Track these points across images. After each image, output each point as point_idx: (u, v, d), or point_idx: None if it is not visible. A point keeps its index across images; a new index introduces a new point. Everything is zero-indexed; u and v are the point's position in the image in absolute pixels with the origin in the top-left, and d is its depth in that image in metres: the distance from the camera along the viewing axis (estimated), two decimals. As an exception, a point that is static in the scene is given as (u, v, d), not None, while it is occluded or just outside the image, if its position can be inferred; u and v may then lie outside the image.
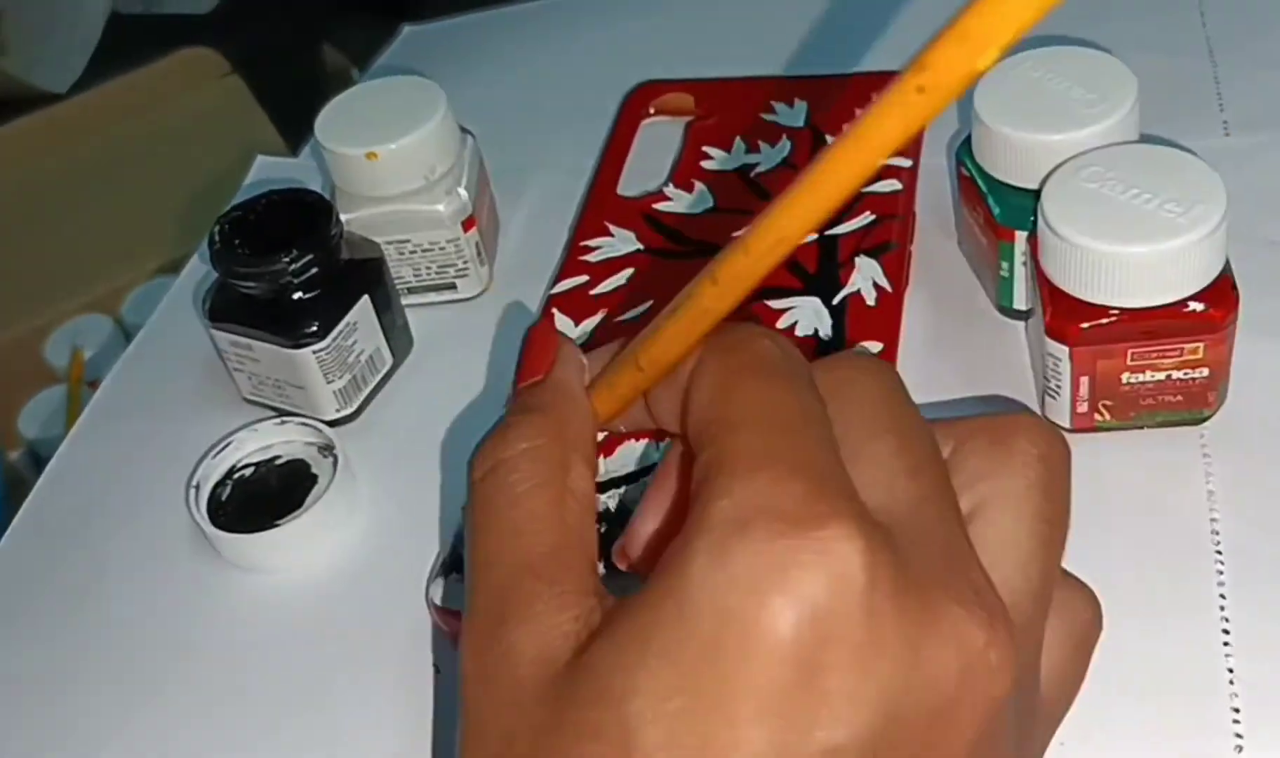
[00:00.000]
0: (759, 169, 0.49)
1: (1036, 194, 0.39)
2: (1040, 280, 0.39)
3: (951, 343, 0.44)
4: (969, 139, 0.43)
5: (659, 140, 0.53)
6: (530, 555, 0.25)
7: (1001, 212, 0.42)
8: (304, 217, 0.44)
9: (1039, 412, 0.41)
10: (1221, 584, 0.36)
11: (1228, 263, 0.37)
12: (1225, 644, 0.34)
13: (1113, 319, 0.37)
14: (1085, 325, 0.37)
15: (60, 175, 0.92)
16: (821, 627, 0.21)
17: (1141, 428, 0.39)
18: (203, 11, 1.18)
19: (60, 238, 0.88)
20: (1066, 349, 0.38)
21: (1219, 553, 0.36)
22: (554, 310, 0.46)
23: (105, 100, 0.94)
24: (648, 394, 0.28)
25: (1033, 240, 0.39)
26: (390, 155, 0.46)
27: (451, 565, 0.38)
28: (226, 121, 0.94)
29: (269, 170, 0.58)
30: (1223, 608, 0.35)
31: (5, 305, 0.83)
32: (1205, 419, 0.39)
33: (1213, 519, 0.37)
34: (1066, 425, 0.40)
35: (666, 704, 0.21)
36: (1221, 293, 0.37)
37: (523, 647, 0.23)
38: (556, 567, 0.25)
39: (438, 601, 0.38)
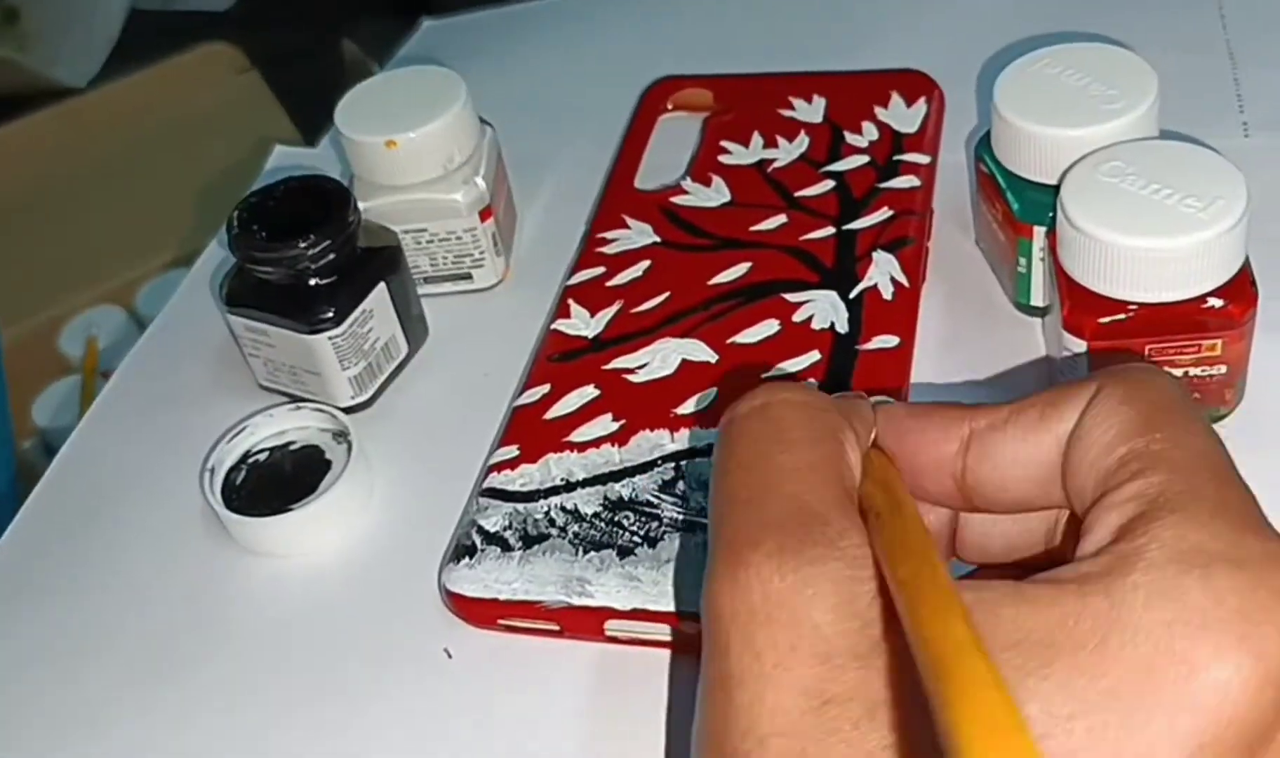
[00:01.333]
0: (776, 164, 0.49)
1: (1056, 190, 0.39)
2: (1059, 275, 0.38)
3: (968, 339, 0.44)
4: (988, 135, 0.43)
5: (677, 135, 0.53)
6: (811, 500, 0.24)
7: (1020, 207, 0.42)
8: (322, 203, 0.44)
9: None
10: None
11: (1247, 260, 0.37)
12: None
13: (1131, 314, 0.37)
14: (1104, 320, 0.37)
15: (78, 168, 0.92)
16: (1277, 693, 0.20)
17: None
18: (222, 8, 1.19)
19: (77, 230, 0.88)
20: (1084, 344, 0.38)
21: (1235, 550, 0.36)
22: (570, 300, 0.46)
23: (123, 95, 0.95)
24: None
25: (1051, 236, 0.39)
26: (409, 144, 0.46)
27: (464, 551, 0.38)
28: (244, 117, 0.95)
29: (287, 159, 0.59)
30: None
31: (22, 296, 0.83)
32: (1223, 417, 0.39)
33: (1229, 516, 0.37)
34: (1083, 421, 0.40)
35: (1070, 721, 0.20)
36: (1240, 289, 0.37)
37: (821, 590, 0.22)
38: (843, 519, 0.24)
39: (450, 586, 0.38)
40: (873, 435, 0.28)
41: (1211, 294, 0.36)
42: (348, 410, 0.45)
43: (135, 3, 1.18)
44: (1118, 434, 0.24)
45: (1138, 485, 0.23)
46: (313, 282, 0.43)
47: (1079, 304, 0.38)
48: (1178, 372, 0.38)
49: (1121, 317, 0.37)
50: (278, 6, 1.13)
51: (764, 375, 0.41)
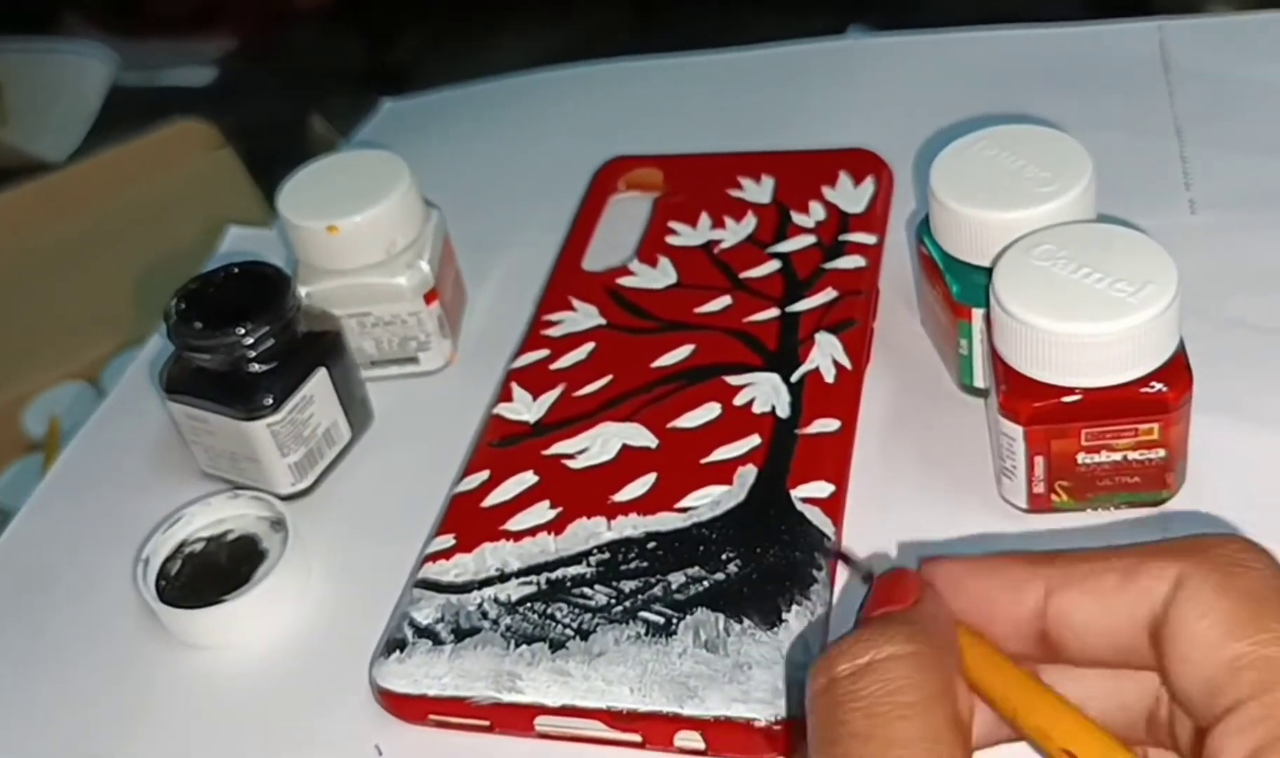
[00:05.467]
0: (723, 245, 0.49)
1: (991, 272, 0.39)
2: (994, 359, 0.38)
3: (912, 421, 0.44)
4: (928, 217, 0.43)
5: (628, 215, 0.53)
6: None
7: (959, 289, 0.41)
8: (262, 290, 0.44)
9: (997, 491, 0.40)
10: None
11: (1181, 343, 0.37)
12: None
13: (1065, 399, 0.36)
14: (1038, 404, 0.37)
15: (49, 244, 0.92)
16: None
17: (1101, 509, 0.39)
18: (201, 84, 1.20)
19: (46, 306, 0.88)
20: (1020, 429, 0.37)
21: (1175, 639, 0.35)
22: (513, 384, 0.45)
23: (96, 170, 0.95)
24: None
25: (988, 318, 0.39)
26: (351, 229, 0.46)
27: (395, 645, 0.38)
28: (218, 193, 0.95)
29: (242, 241, 0.59)
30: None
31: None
32: (1165, 500, 0.39)
33: (1170, 604, 0.36)
34: (1023, 505, 0.39)
35: None
36: (1175, 373, 0.36)
37: None
38: None
39: (380, 681, 0.37)
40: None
41: (1145, 378, 0.36)
42: (288, 498, 0.44)
43: (116, 78, 1.19)
44: (1223, 632, 0.23)
45: (1262, 706, 0.22)
46: (251, 368, 0.43)
47: (1014, 389, 0.37)
48: (1116, 456, 0.37)
49: (1056, 401, 0.37)
50: (255, 82, 1.14)
51: (703, 461, 0.41)
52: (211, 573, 0.42)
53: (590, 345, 0.46)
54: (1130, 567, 0.25)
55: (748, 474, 0.40)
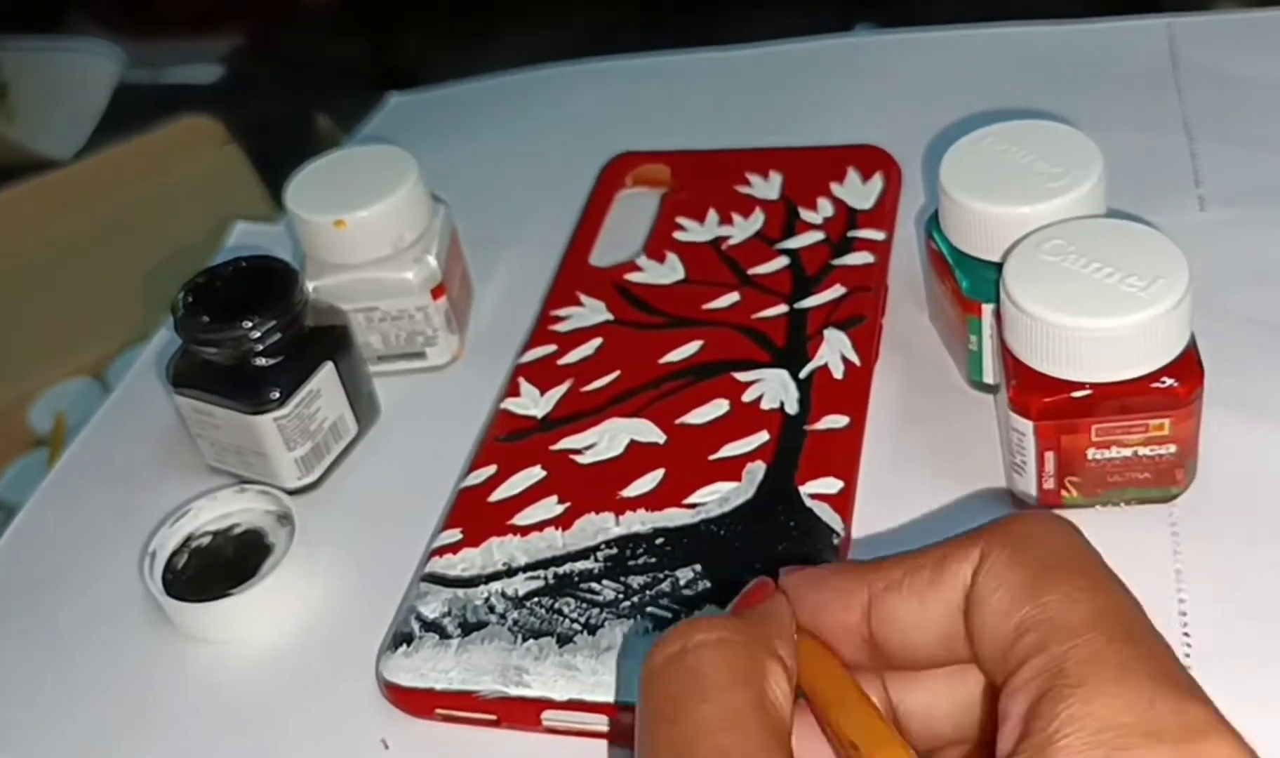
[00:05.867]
0: (731, 241, 0.49)
1: (1001, 267, 0.38)
2: (1004, 354, 0.38)
3: (922, 417, 0.43)
4: (937, 212, 0.43)
5: (636, 211, 0.53)
6: (738, 751, 0.23)
7: (969, 285, 0.41)
8: (269, 284, 0.44)
9: (1006, 485, 0.40)
10: (1188, 663, 0.34)
11: (1193, 338, 0.37)
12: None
13: (1075, 394, 0.36)
14: (1048, 400, 0.37)
15: (55, 241, 0.92)
16: None
17: (1111, 505, 0.39)
18: (207, 81, 1.20)
19: (52, 303, 0.88)
20: (1030, 424, 0.37)
21: (1186, 634, 0.35)
22: (520, 379, 0.45)
23: (102, 167, 0.95)
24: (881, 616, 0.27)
25: (998, 313, 0.39)
26: (358, 223, 0.46)
27: (401, 639, 0.38)
28: (223, 189, 0.95)
29: (248, 236, 0.59)
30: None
31: (-6, 369, 0.83)
32: (1175, 496, 0.39)
33: (1180, 599, 0.36)
34: (1033, 501, 0.39)
35: None
36: (1186, 368, 0.36)
37: None
38: None
39: (387, 675, 0.37)
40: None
41: (1156, 374, 0.36)
42: (294, 492, 0.44)
43: (123, 76, 1.19)
44: (1011, 600, 0.24)
45: (1038, 663, 0.23)
46: (258, 362, 0.43)
47: (1024, 384, 0.37)
48: (1127, 451, 0.37)
49: (1066, 396, 0.36)
50: (261, 79, 1.14)
51: (711, 457, 0.41)
52: (218, 567, 0.42)
53: (598, 341, 0.46)
54: (939, 558, 0.26)
55: (756, 470, 0.40)
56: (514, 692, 0.36)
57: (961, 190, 0.40)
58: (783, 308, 0.45)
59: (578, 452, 0.42)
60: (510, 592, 0.38)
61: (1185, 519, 0.38)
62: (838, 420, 0.41)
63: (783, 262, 0.47)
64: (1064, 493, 0.38)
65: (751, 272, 0.47)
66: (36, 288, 0.89)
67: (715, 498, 0.39)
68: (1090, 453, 0.37)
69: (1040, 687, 0.22)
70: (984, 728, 0.27)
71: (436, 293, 0.47)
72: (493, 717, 0.36)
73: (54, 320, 0.86)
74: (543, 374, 0.45)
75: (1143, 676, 0.22)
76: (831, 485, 0.39)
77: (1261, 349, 0.42)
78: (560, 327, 0.47)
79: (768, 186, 0.51)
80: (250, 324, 0.42)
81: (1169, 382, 0.36)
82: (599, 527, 0.39)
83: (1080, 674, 0.22)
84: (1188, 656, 0.35)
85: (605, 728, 0.35)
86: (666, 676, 0.25)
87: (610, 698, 0.35)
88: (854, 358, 0.43)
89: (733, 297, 0.46)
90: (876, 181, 0.50)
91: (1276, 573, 0.36)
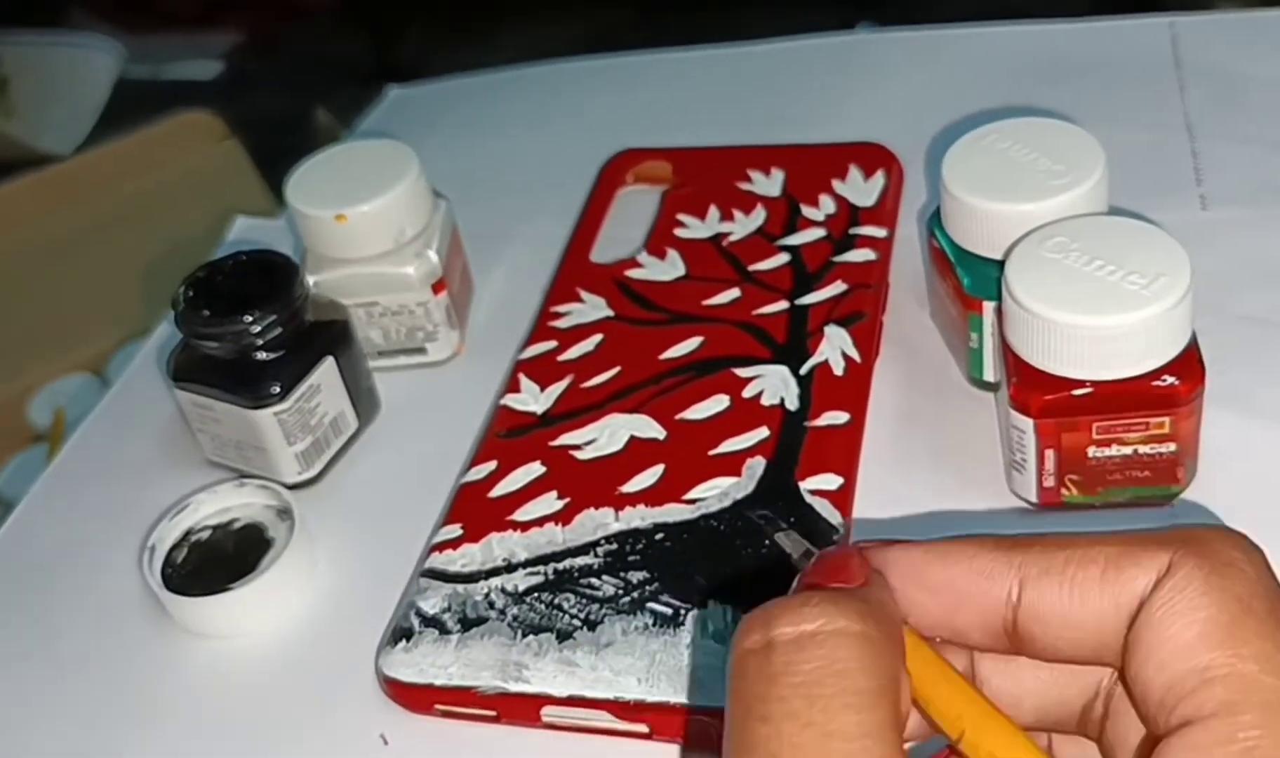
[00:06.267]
0: (732, 238, 0.49)
1: (1003, 264, 0.38)
2: (1005, 351, 0.38)
3: (922, 414, 0.43)
4: (939, 209, 0.43)
5: (637, 208, 0.53)
6: None
7: (970, 282, 0.41)
8: (270, 278, 0.44)
9: (1006, 485, 0.40)
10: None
11: (1194, 336, 0.37)
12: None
13: (1076, 392, 0.36)
14: (1049, 397, 0.37)
15: (55, 235, 0.92)
16: None
17: (1111, 504, 0.39)
18: (208, 77, 1.20)
19: (52, 297, 0.88)
20: (1030, 422, 0.37)
21: (1186, 634, 0.35)
22: (520, 375, 0.45)
23: (102, 161, 0.95)
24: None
25: (999, 311, 0.39)
26: (359, 218, 0.46)
27: (401, 635, 0.37)
28: (223, 184, 0.95)
29: (248, 231, 0.59)
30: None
31: (-8, 364, 0.83)
32: (1175, 495, 0.39)
33: (1180, 599, 0.36)
34: (1033, 499, 0.39)
35: None
36: (1187, 366, 0.36)
37: None
38: None
39: (386, 671, 0.37)
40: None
41: (1157, 372, 0.36)
42: (294, 487, 0.44)
43: (123, 72, 1.19)
44: (1200, 636, 0.21)
45: (1226, 727, 0.20)
46: (258, 356, 0.43)
47: (1025, 381, 0.37)
48: (1127, 449, 0.37)
49: (1066, 394, 0.36)
50: (261, 76, 1.14)
51: (711, 453, 0.41)
52: (217, 561, 0.42)
53: (598, 337, 0.46)
54: (1115, 555, 0.23)
55: (756, 466, 0.40)
56: (513, 688, 0.36)
57: (963, 188, 0.40)
58: (783, 304, 0.45)
59: (578, 447, 0.42)
60: (510, 587, 0.38)
61: (1185, 518, 0.38)
62: (838, 417, 0.41)
63: (784, 258, 0.47)
64: (1064, 491, 0.38)
65: (752, 268, 0.47)
66: (36, 283, 0.88)
67: (715, 493, 0.39)
68: (1090, 451, 0.37)
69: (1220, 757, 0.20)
70: (1078, 725, 0.26)
71: (437, 288, 0.47)
72: (492, 713, 0.36)
73: (53, 315, 0.86)
74: (543, 370, 0.45)
75: None
76: (831, 482, 0.39)
77: (1263, 349, 0.42)
78: (561, 323, 0.47)
79: (769, 183, 0.51)
80: (251, 318, 0.42)
81: (1170, 380, 0.36)
82: (599, 522, 0.39)
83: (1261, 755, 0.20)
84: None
85: (605, 725, 0.35)
86: (795, 659, 0.21)
87: (610, 694, 0.35)
88: (854, 354, 0.43)
89: (733, 293, 0.46)
90: (878, 179, 0.50)
91: (1277, 570, 0.36)
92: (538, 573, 0.38)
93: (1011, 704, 0.25)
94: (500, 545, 0.39)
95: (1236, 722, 0.20)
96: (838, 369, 0.43)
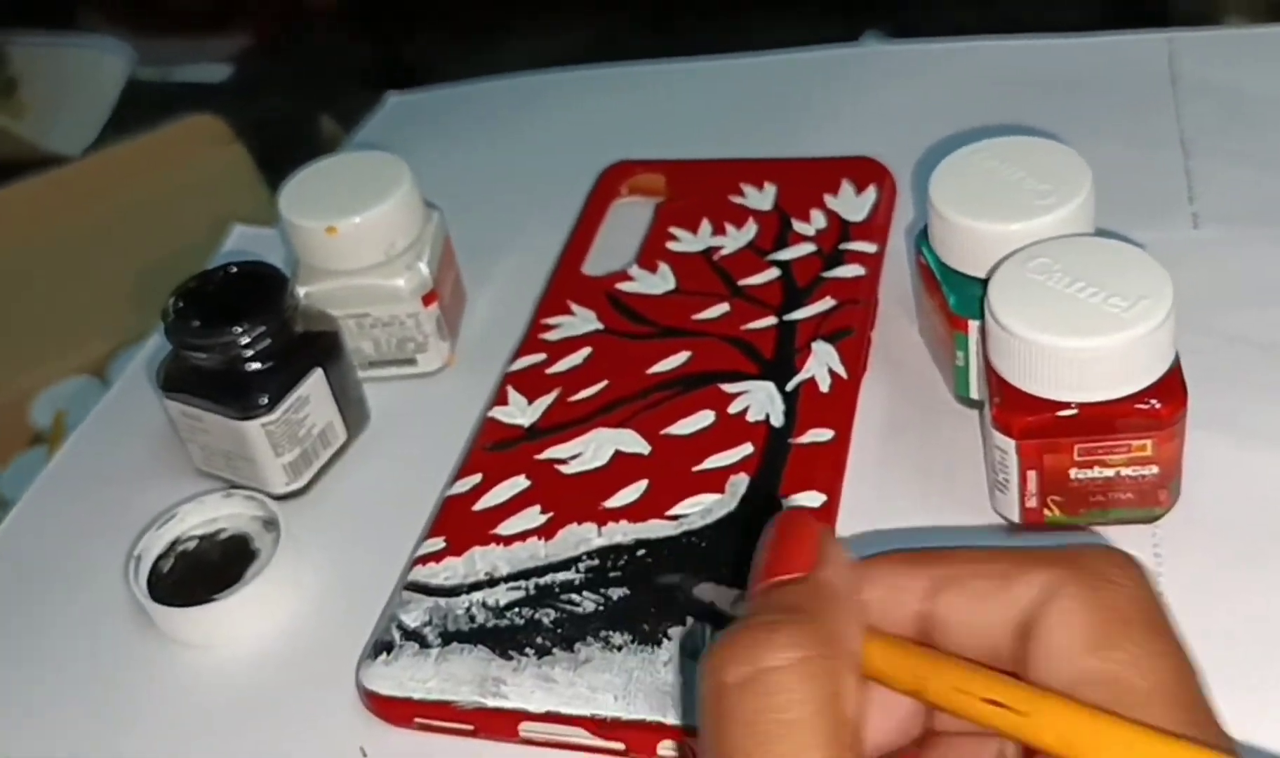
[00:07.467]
0: (723, 252, 0.49)
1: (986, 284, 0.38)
2: (988, 371, 0.38)
3: (908, 431, 0.43)
4: (927, 227, 0.43)
5: (630, 220, 0.53)
6: None
7: (955, 301, 0.41)
8: (260, 289, 0.44)
9: (990, 504, 0.40)
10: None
11: (1177, 359, 0.37)
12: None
13: (1058, 414, 0.36)
14: (1031, 419, 0.36)
15: (61, 237, 0.92)
16: None
17: (1094, 525, 0.39)
18: (217, 80, 1.20)
19: (56, 299, 0.88)
20: (1013, 443, 0.37)
21: (1165, 657, 0.35)
22: (508, 387, 0.45)
23: (108, 164, 0.96)
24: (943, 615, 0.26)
25: (984, 330, 0.39)
26: (350, 230, 0.46)
27: (382, 648, 0.38)
28: (227, 189, 0.95)
29: (246, 241, 0.59)
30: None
31: (-2, 366, 0.83)
32: (1158, 517, 0.38)
33: (1161, 622, 0.36)
34: (1015, 520, 0.39)
35: None
36: (1169, 390, 0.36)
37: None
38: None
39: (366, 684, 0.37)
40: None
41: (1139, 395, 0.36)
42: (282, 498, 0.44)
43: (132, 74, 1.20)
44: (1079, 646, 0.24)
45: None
46: (247, 368, 0.43)
47: (1007, 402, 0.37)
48: (1109, 471, 0.37)
49: (1048, 415, 0.36)
50: (269, 80, 1.14)
51: (695, 469, 0.41)
52: (203, 572, 0.42)
53: (587, 350, 0.46)
54: (1006, 571, 0.25)
55: (740, 483, 0.40)
56: (491, 703, 0.36)
57: (949, 206, 0.40)
58: (772, 320, 0.45)
59: (563, 461, 0.42)
60: (491, 602, 0.38)
61: (1169, 540, 0.38)
62: (822, 434, 0.41)
63: (774, 273, 0.47)
64: (1046, 512, 0.38)
65: (742, 283, 0.47)
66: (41, 284, 0.89)
67: (698, 510, 0.39)
68: (1073, 473, 0.37)
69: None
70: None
71: (428, 300, 0.47)
72: (470, 727, 0.36)
73: (57, 317, 0.86)
74: (531, 383, 0.45)
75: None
76: (814, 499, 0.39)
77: (1249, 370, 0.42)
78: (550, 335, 0.47)
79: (762, 197, 0.51)
80: (240, 329, 0.42)
81: (1152, 403, 0.36)
82: (581, 537, 0.39)
83: None
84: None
85: (582, 741, 0.35)
86: (739, 702, 0.23)
87: (587, 711, 0.35)
88: (841, 371, 0.43)
89: (723, 307, 0.46)
90: (870, 194, 0.50)
91: (1259, 594, 0.36)
92: (519, 588, 0.38)
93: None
94: (483, 559, 0.39)
95: None
96: (824, 386, 0.43)
